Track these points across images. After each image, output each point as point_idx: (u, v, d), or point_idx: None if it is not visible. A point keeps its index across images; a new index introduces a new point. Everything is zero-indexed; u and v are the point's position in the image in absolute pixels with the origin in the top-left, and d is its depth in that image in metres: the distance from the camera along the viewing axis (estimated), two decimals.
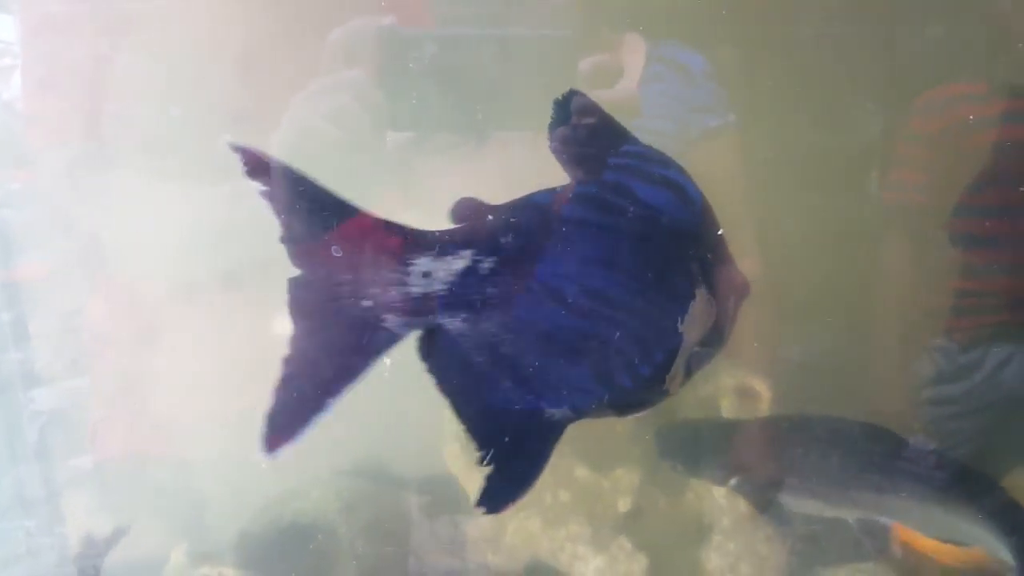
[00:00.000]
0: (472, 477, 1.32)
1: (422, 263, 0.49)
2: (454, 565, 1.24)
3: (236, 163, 1.49)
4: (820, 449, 1.09)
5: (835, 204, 1.29)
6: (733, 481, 1.08)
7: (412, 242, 0.49)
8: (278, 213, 0.48)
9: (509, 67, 1.28)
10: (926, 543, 1.15)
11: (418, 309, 0.49)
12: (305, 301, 0.48)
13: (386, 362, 1.16)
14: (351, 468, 1.34)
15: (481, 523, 1.25)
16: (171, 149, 1.39)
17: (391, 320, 0.49)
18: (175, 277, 1.42)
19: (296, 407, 0.48)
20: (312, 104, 1.23)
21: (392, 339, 0.49)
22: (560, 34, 1.29)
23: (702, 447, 1.14)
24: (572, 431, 1.27)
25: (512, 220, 0.52)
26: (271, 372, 1.33)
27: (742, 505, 1.18)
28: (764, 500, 1.08)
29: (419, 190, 1.32)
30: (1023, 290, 1.25)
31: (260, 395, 1.41)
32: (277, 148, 1.28)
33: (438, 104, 1.28)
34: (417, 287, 0.49)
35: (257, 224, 1.48)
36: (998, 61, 1.24)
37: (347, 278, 0.49)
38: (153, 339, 1.46)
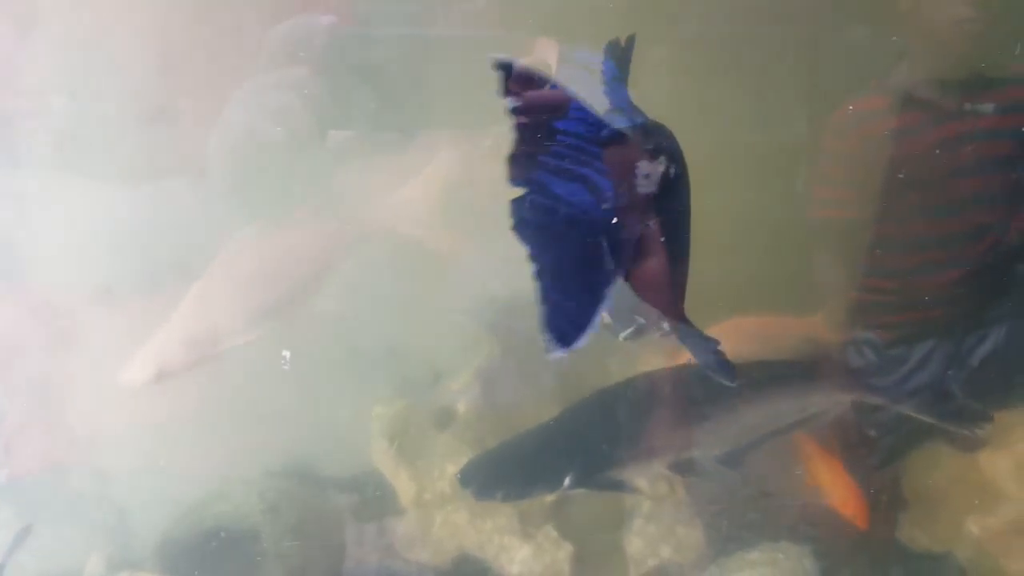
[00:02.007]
0: (400, 474, 1.33)
1: (644, 166, 0.54)
2: (382, 562, 1.24)
3: (154, 162, 1.46)
4: (627, 419, 1.09)
5: (761, 201, 1.33)
6: (567, 482, 1.05)
7: (636, 143, 0.56)
8: (536, 132, 0.52)
9: (434, 67, 1.29)
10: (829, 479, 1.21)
11: (642, 208, 0.54)
12: (563, 214, 0.53)
13: (285, 355, 1.15)
14: (277, 470, 1.33)
15: (408, 519, 1.25)
16: (86, 148, 1.35)
17: (631, 220, 0.53)
18: (91, 281, 1.38)
19: (579, 306, 0.52)
20: (254, 101, 1.22)
21: (632, 241, 0.54)
22: (484, 35, 1.31)
23: (516, 468, 1.10)
24: (497, 426, 1.29)
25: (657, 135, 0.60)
26: (191, 376, 1.30)
27: (662, 489, 1.21)
28: (608, 485, 1.06)
29: (355, 184, 1.32)
30: (942, 287, 1.31)
31: (181, 399, 1.39)
32: (217, 145, 1.26)
33: (371, 103, 1.28)
34: (643, 187, 0.54)
35: (177, 224, 1.45)
36: (899, 66, 1.30)
37: (606, 184, 0.53)
38: (69, 345, 1.42)
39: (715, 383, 1.07)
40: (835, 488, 1.20)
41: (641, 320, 0.77)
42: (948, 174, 1.26)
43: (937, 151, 1.26)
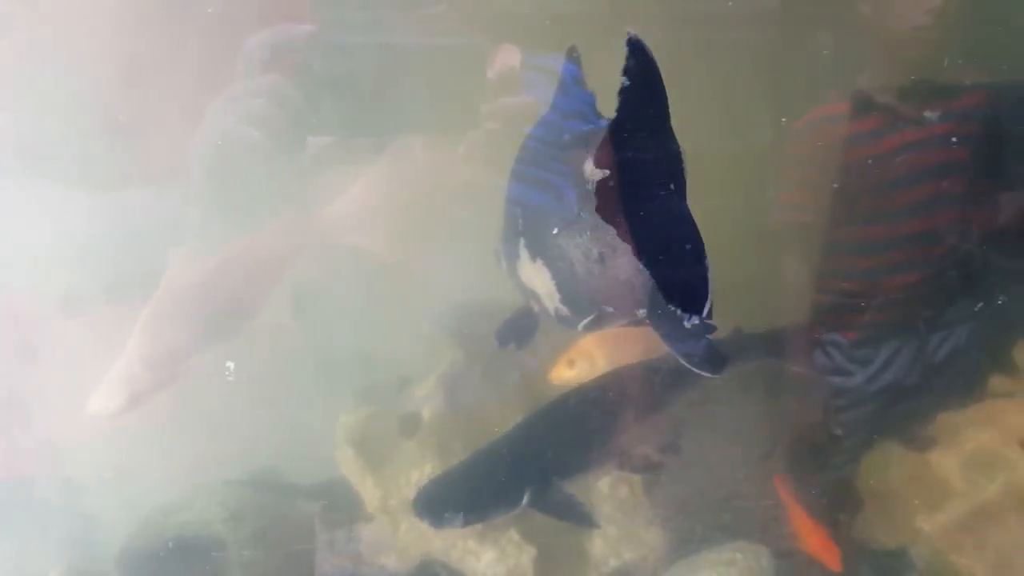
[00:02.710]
0: (365, 481, 1.33)
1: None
2: (349, 568, 1.24)
3: (118, 171, 1.46)
4: (576, 426, 1.09)
5: (727, 206, 1.35)
6: (524, 500, 1.04)
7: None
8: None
9: (409, 73, 1.30)
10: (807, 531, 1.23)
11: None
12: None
13: (229, 366, 1.16)
14: (243, 478, 1.33)
15: (374, 525, 1.26)
16: (49, 157, 1.35)
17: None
18: (58, 289, 1.38)
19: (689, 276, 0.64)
20: (234, 108, 1.22)
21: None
22: (449, 42, 1.32)
23: (473, 491, 1.08)
24: (462, 431, 1.30)
25: None
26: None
27: (623, 492, 1.23)
28: (563, 506, 1.06)
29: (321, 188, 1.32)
30: (903, 289, 1.34)
31: (148, 408, 1.38)
32: (197, 150, 1.26)
33: (348, 110, 1.29)
34: None
35: (140, 234, 1.45)
36: (861, 73, 1.33)
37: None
38: (34, 355, 1.41)
39: (657, 374, 1.09)
40: (809, 536, 1.22)
41: (609, 309, 0.79)
42: (907, 178, 1.29)
43: (897, 155, 1.29)
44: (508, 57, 1.29)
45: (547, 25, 1.24)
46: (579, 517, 1.08)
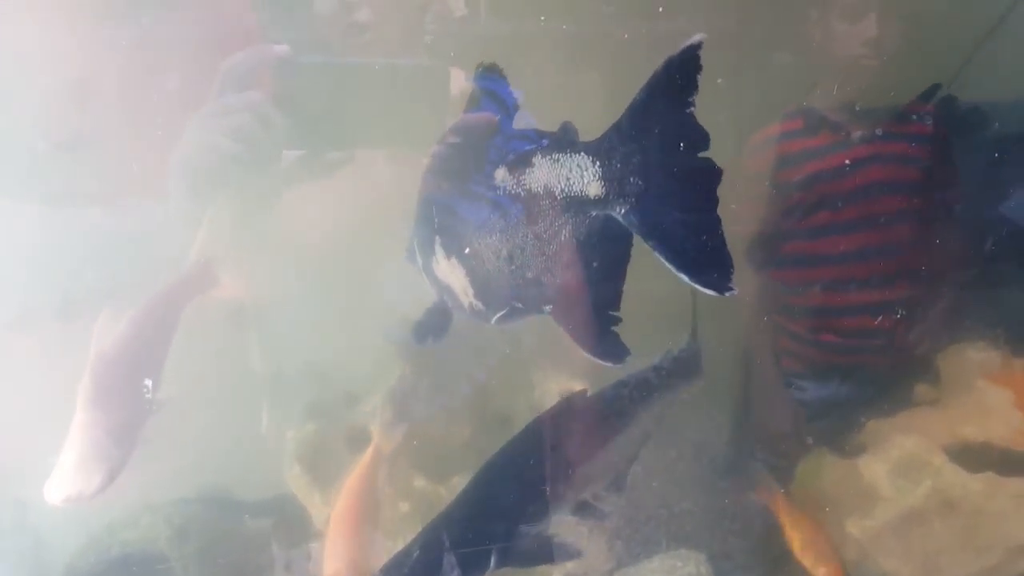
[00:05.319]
0: (313, 497, 1.34)
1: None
2: None
3: (72, 188, 1.46)
4: (526, 476, 1.01)
5: None
6: (492, 561, 0.95)
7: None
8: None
9: (374, 92, 1.32)
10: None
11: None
12: None
13: (147, 383, 1.17)
14: (191, 496, 1.33)
15: (322, 541, 1.26)
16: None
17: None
18: (7, 307, 1.38)
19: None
20: (217, 123, 1.23)
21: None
22: (409, 64, 1.35)
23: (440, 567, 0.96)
24: (410, 446, 1.31)
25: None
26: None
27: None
28: (534, 552, 0.99)
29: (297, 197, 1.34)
30: (851, 305, 1.37)
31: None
32: (178, 162, 1.27)
33: (317, 126, 1.31)
34: None
35: (92, 250, 1.45)
36: (813, 93, 1.37)
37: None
38: None
39: (604, 412, 1.08)
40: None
41: (519, 304, 0.83)
42: (856, 193, 1.33)
43: (845, 172, 1.33)
44: (455, 79, 1.32)
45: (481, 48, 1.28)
46: (555, 554, 1.01)
